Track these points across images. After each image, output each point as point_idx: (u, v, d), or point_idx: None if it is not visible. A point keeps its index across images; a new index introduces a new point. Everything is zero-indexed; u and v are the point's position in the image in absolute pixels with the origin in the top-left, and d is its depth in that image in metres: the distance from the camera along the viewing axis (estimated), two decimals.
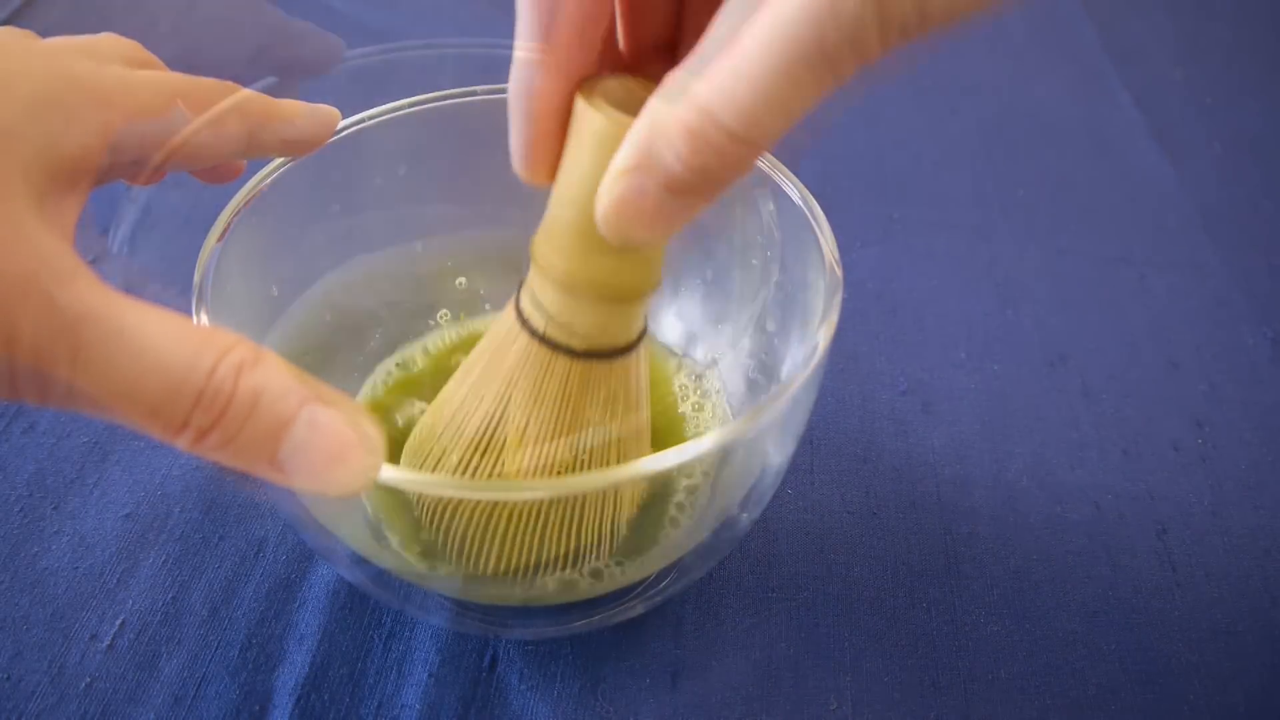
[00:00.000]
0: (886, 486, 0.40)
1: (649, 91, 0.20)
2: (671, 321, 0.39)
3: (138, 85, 0.24)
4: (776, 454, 0.31)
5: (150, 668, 0.34)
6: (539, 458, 0.28)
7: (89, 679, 0.34)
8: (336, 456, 0.21)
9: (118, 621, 0.35)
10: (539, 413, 0.28)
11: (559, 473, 0.29)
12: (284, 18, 0.27)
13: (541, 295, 0.27)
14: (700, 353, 0.39)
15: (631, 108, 0.22)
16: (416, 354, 0.39)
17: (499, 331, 0.29)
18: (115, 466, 0.40)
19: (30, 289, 0.19)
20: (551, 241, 0.25)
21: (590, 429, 0.28)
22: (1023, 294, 0.48)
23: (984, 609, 0.35)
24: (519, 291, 0.28)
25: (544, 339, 0.27)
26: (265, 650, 0.34)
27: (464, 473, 0.29)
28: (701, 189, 0.20)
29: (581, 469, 0.29)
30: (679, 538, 0.33)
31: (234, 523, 0.38)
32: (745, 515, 0.32)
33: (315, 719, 0.33)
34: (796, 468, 0.40)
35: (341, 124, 0.32)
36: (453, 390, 0.31)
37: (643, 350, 0.29)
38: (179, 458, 0.40)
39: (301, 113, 0.29)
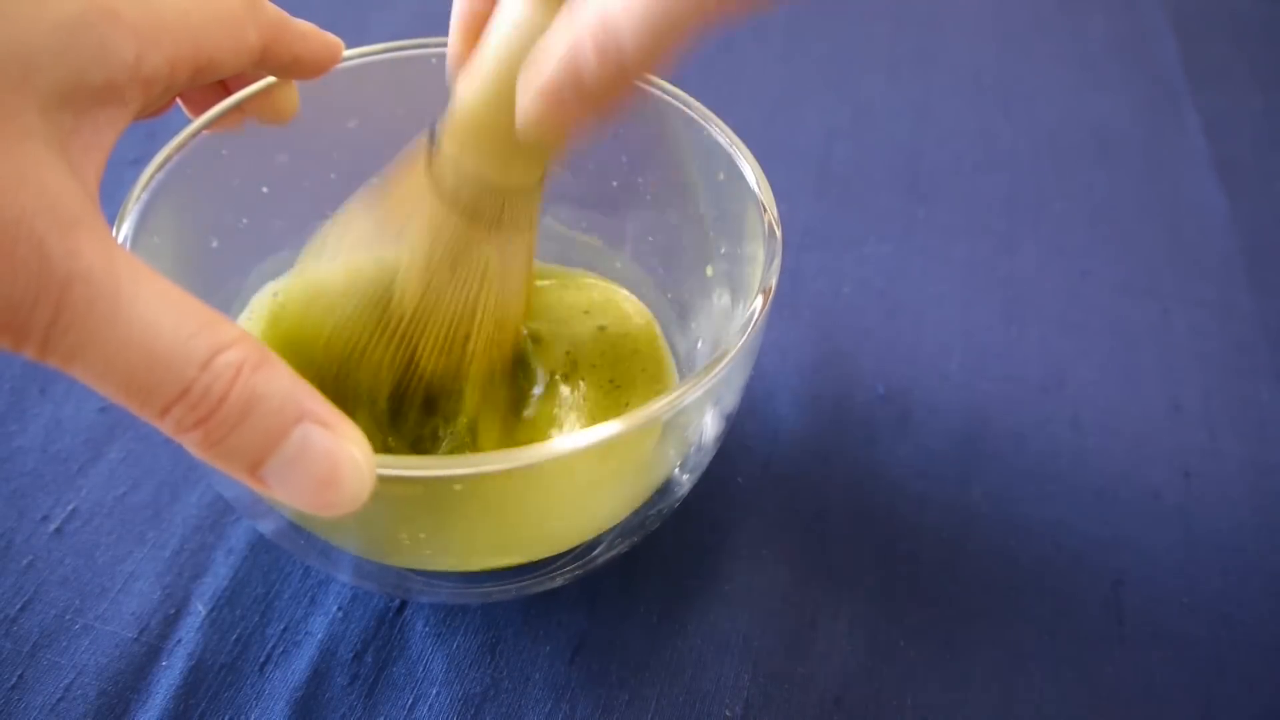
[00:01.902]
0: (839, 492, 0.39)
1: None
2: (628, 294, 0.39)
3: (173, 20, 0.22)
4: (699, 431, 0.31)
5: (88, 557, 0.35)
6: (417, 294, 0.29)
7: (30, 558, 0.35)
8: (324, 481, 0.19)
9: (70, 507, 0.37)
10: (427, 245, 0.29)
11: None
12: (285, 17, 0.27)
13: (447, 142, 0.28)
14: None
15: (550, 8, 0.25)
16: None
17: (402, 177, 0.30)
18: None
19: (21, 236, 0.17)
20: (467, 98, 0.27)
21: (475, 266, 0.29)
22: (1032, 312, 0.46)
23: (906, 633, 0.34)
24: (434, 125, 0.29)
25: (441, 183, 0.28)
26: (195, 558, 0.35)
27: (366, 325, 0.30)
28: (605, 99, 0.23)
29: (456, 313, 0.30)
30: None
31: None
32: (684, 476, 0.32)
33: (223, 631, 0.33)
34: (753, 457, 0.40)
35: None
36: (347, 219, 0.31)
37: (535, 202, 0.30)
38: None
39: (312, 31, 0.28)
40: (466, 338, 0.31)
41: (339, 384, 0.31)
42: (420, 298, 0.30)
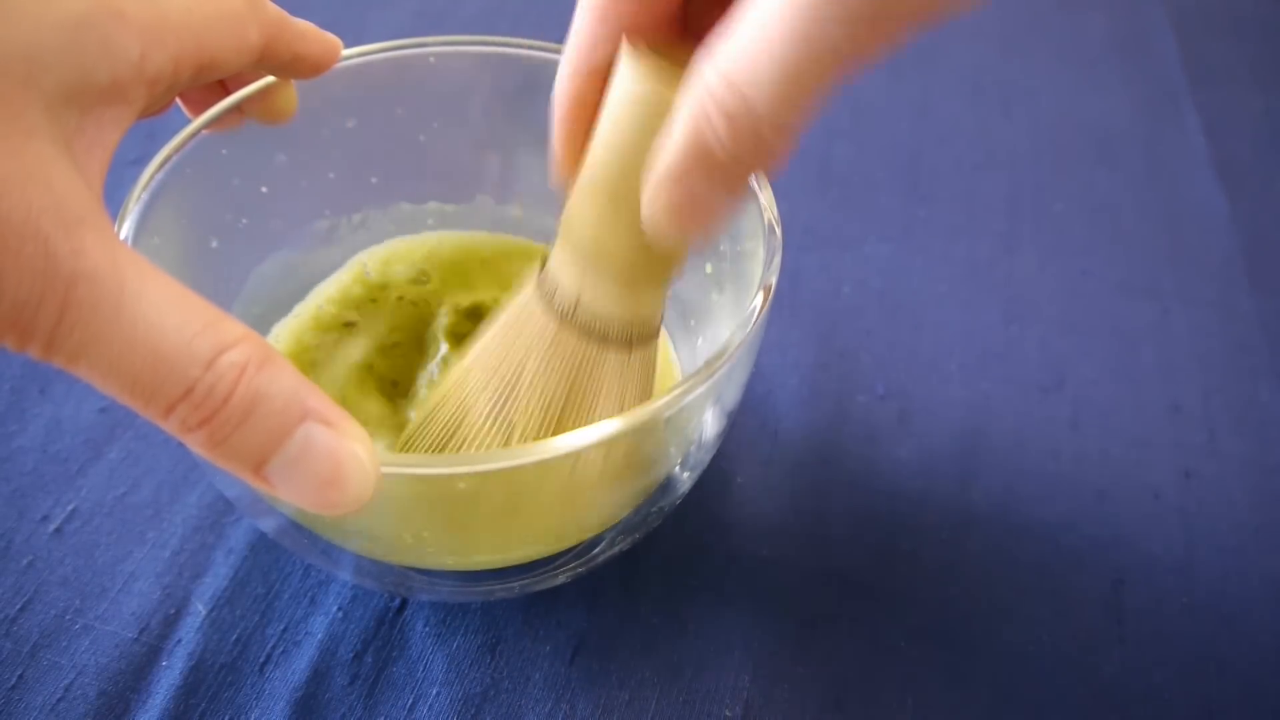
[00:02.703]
0: (840, 491, 0.39)
1: (680, 64, 0.20)
2: None
3: (176, 19, 0.22)
4: (700, 430, 0.31)
5: (88, 556, 0.35)
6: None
7: (30, 558, 0.35)
8: (328, 480, 0.19)
9: (70, 508, 0.37)
10: (550, 398, 0.27)
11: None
12: (285, 16, 0.27)
13: (565, 270, 0.25)
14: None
15: (671, 79, 0.21)
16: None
17: (517, 306, 0.27)
18: None
19: (27, 235, 0.17)
20: (583, 211, 0.24)
21: (598, 418, 0.27)
22: (1032, 312, 0.46)
23: (906, 633, 0.34)
24: (541, 266, 0.27)
25: (563, 316, 0.26)
26: (194, 558, 0.35)
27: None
28: (744, 179, 0.20)
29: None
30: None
31: None
32: (686, 475, 0.32)
33: (223, 631, 0.33)
34: (753, 457, 0.40)
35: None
36: (465, 365, 0.29)
37: (656, 347, 0.28)
38: None
39: (311, 30, 0.28)
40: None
41: None
42: (553, 420, 0.27)
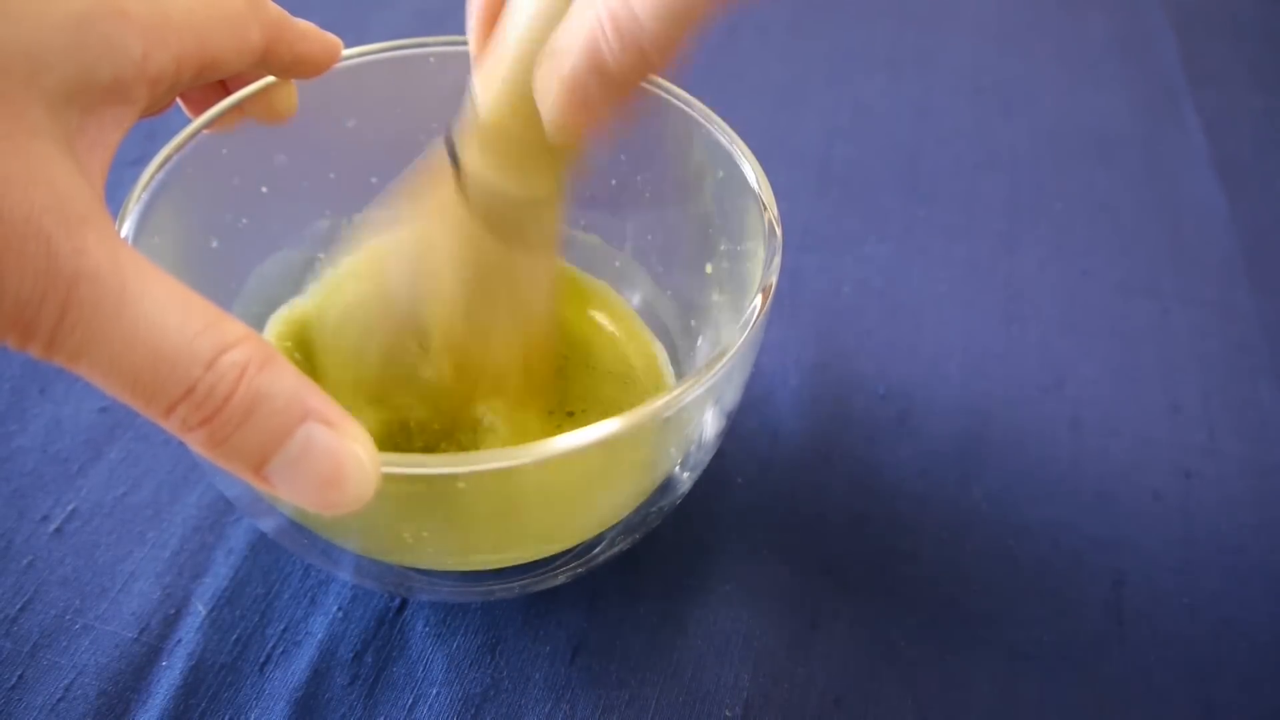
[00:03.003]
0: (840, 491, 0.39)
1: None
2: (626, 294, 0.39)
3: (178, 18, 0.22)
4: (699, 431, 0.31)
5: (88, 557, 0.35)
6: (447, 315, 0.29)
7: (30, 558, 0.35)
8: (328, 481, 0.19)
9: (70, 508, 0.37)
10: (456, 260, 0.29)
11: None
12: (286, 16, 0.27)
13: (469, 147, 0.27)
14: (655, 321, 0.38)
15: None
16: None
17: (425, 170, 0.29)
18: None
19: (29, 234, 0.17)
20: (486, 92, 0.26)
21: (495, 267, 0.29)
22: (1032, 312, 0.46)
23: (906, 633, 0.34)
24: (450, 128, 0.28)
25: (472, 177, 0.28)
26: (195, 558, 0.35)
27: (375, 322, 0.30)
28: (627, 85, 0.22)
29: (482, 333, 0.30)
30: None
31: None
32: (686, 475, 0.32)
33: (223, 631, 0.33)
34: (753, 457, 0.40)
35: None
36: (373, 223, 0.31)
37: (555, 211, 0.30)
38: None
39: (312, 30, 0.28)
40: (492, 354, 0.30)
41: (363, 399, 0.31)
42: (450, 314, 0.29)
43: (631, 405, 0.24)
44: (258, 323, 0.36)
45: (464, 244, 0.29)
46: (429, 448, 0.32)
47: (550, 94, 0.23)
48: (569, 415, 0.34)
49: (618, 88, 0.22)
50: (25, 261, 0.17)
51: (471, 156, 0.27)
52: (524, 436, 0.32)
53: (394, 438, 0.31)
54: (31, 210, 0.17)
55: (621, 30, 0.21)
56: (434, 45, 0.34)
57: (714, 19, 0.21)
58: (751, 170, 0.30)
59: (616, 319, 0.38)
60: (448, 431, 0.32)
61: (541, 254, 0.30)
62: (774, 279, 0.27)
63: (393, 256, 0.30)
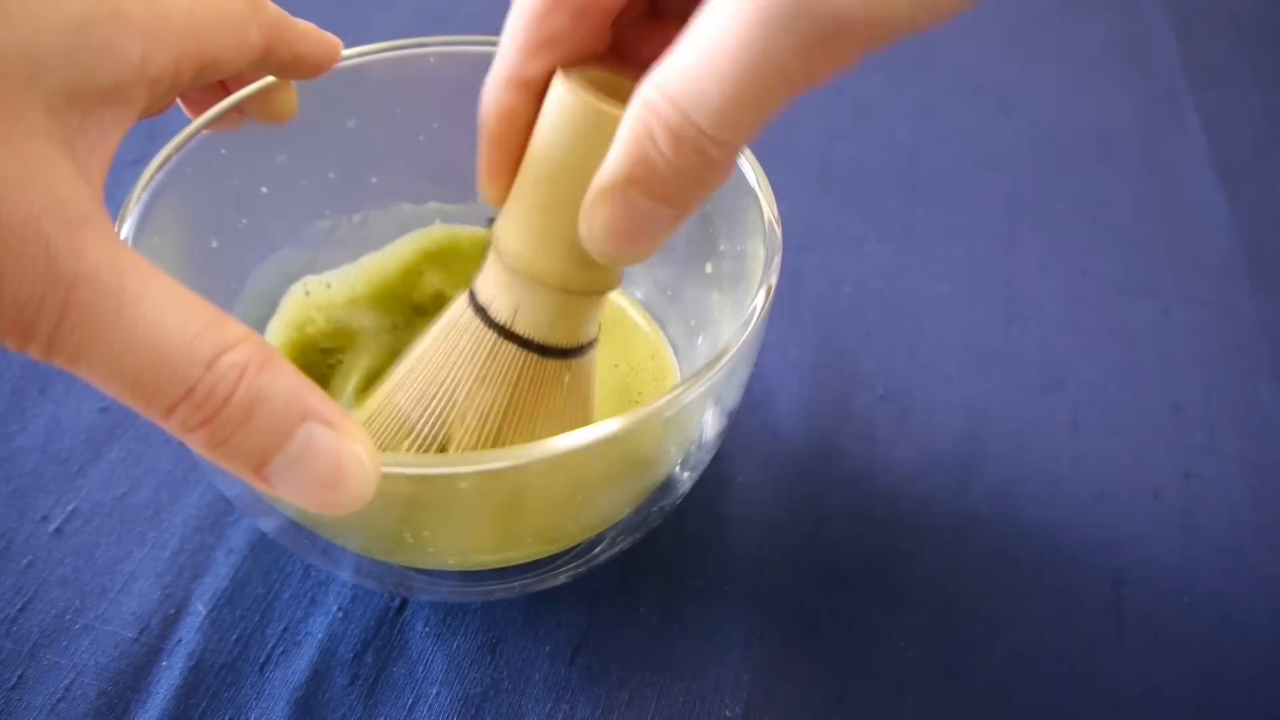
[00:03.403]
0: (840, 491, 0.39)
1: (627, 84, 0.20)
2: (629, 292, 0.39)
3: (178, 20, 0.22)
4: (700, 430, 0.31)
5: (88, 557, 0.35)
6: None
7: (30, 558, 0.35)
8: (329, 481, 0.19)
9: (69, 508, 0.37)
10: (487, 410, 0.27)
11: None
12: (286, 16, 0.27)
13: (500, 284, 0.25)
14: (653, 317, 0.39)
15: (614, 96, 0.21)
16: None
17: (450, 319, 0.27)
18: None
19: (29, 235, 0.17)
20: (516, 232, 0.25)
21: (539, 431, 0.27)
22: (1032, 312, 0.46)
23: (906, 633, 0.34)
24: (475, 278, 0.27)
25: (500, 329, 0.26)
26: (195, 558, 0.35)
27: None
28: (687, 196, 0.20)
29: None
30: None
31: None
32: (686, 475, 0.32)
33: (223, 631, 0.33)
34: (753, 457, 0.40)
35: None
36: (396, 379, 0.28)
37: (595, 355, 0.28)
38: None
39: (312, 30, 0.28)
40: None
41: None
42: (496, 431, 0.27)
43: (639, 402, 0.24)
44: (258, 323, 0.36)
45: (496, 364, 0.26)
46: None
47: (600, 226, 0.21)
48: None
49: (678, 203, 0.20)
50: (24, 263, 0.17)
51: (506, 315, 0.26)
52: None
53: None
54: (31, 211, 0.17)
55: (676, 134, 0.18)
56: (434, 45, 0.34)
57: (784, 110, 0.18)
58: (751, 170, 0.30)
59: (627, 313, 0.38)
60: None
61: (582, 360, 0.27)
62: (774, 279, 0.27)
63: (410, 375, 0.28)
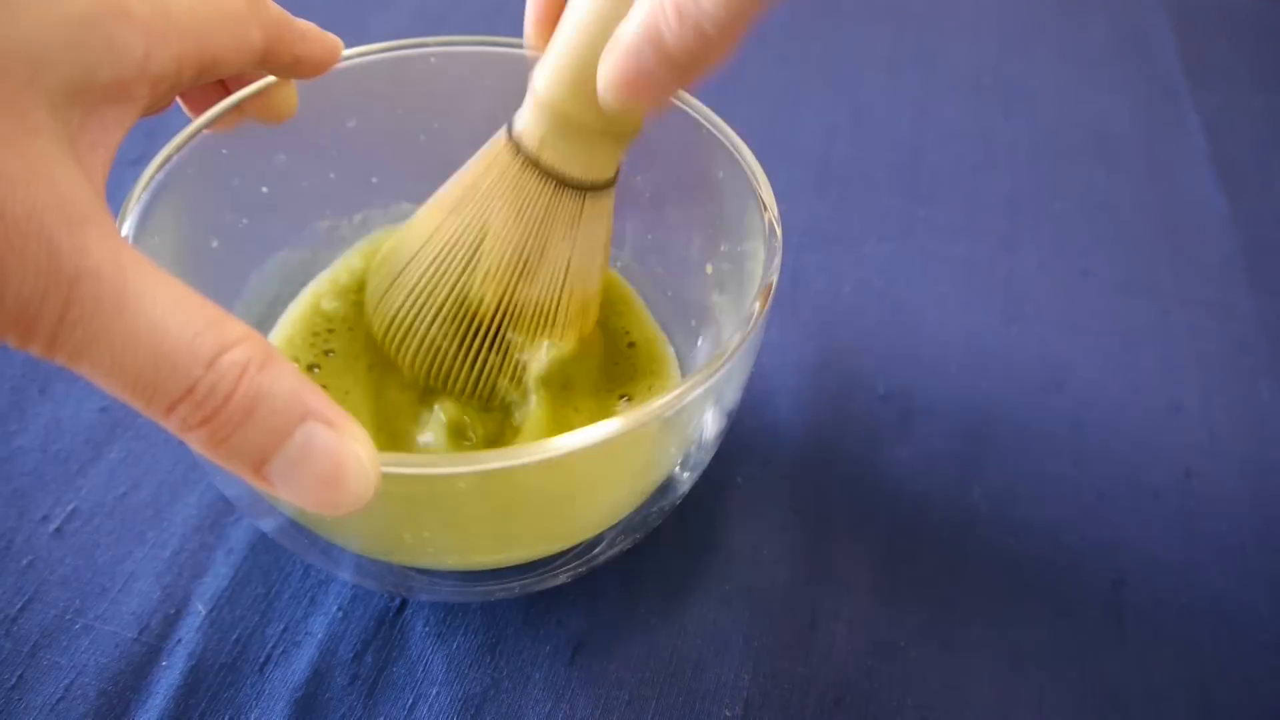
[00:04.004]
0: (840, 491, 0.39)
1: None
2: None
3: (180, 18, 0.22)
4: (700, 431, 0.31)
5: (88, 556, 0.35)
6: (505, 282, 0.31)
7: (30, 558, 0.35)
8: (328, 480, 0.19)
9: (69, 507, 0.37)
10: (514, 234, 0.30)
11: (513, 301, 0.31)
12: (287, 16, 0.27)
13: (533, 118, 0.29)
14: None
15: None
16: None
17: (491, 146, 0.30)
18: None
19: (31, 232, 0.17)
20: (551, 73, 0.28)
21: (558, 256, 0.31)
22: (1033, 312, 0.46)
23: (906, 633, 0.34)
24: (512, 118, 0.30)
25: (528, 157, 0.29)
26: (195, 558, 0.35)
27: (429, 287, 0.31)
28: (686, 65, 0.23)
29: (542, 304, 0.31)
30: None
31: None
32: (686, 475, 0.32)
33: (223, 631, 0.33)
34: (753, 457, 0.40)
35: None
36: (431, 206, 0.32)
37: (610, 201, 0.31)
38: None
39: (312, 30, 0.28)
40: (555, 307, 0.32)
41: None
42: (514, 250, 0.31)
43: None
44: (259, 323, 0.36)
45: (520, 192, 0.30)
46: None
47: (611, 72, 0.24)
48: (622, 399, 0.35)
49: (677, 68, 0.23)
50: (27, 260, 0.17)
51: (533, 144, 0.29)
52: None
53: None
54: (33, 209, 0.17)
55: (682, 10, 0.22)
56: (434, 45, 0.34)
57: (774, 5, 0.22)
58: (751, 170, 0.30)
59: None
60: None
61: (599, 222, 0.31)
62: (774, 279, 0.27)
63: (445, 200, 0.32)
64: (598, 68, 0.24)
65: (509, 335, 0.32)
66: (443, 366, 0.32)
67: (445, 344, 0.32)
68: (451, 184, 0.32)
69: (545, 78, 0.28)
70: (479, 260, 0.31)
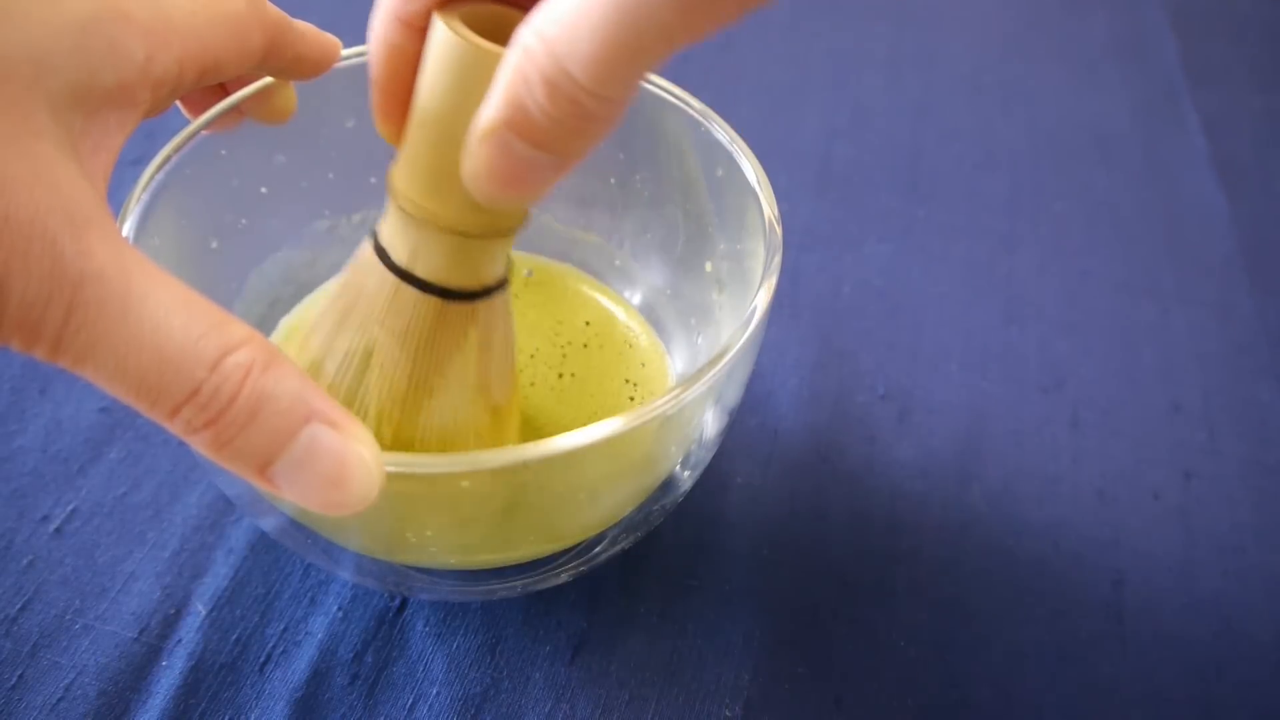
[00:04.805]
0: (840, 490, 0.39)
1: (516, 15, 0.20)
2: (627, 293, 0.39)
3: (181, 22, 0.22)
4: (698, 430, 0.31)
5: (88, 556, 0.35)
6: (403, 409, 0.27)
7: (30, 558, 0.35)
8: (332, 481, 0.19)
9: (70, 507, 0.37)
10: (401, 362, 0.26)
11: (426, 429, 0.27)
12: (286, 18, 0.27)
13: (397, 228, 0.25)
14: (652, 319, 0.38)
15: (496, 35, 0.21)
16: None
17: (357, 266, 0.27)
18: None
19: (34, 235, 0.17)
20: (408, 175, 0.24)
21: (457, 377, 0.27)
22: (1032, 312, 0.46)
23: (906, 633, 0.34)
24: (378, 223, 0.26)
25: (401, 273, 0.25)
26: (195, 558, 0.35)
27: None
28: (567, 145, 0.19)
29: (446, 430, 0.27)
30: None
31: None
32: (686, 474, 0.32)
33: (224, 631, 0.33)
34: (753, 457, 0.40)
35: None
36: (310, 330, 0.28)
37: (507, 295, 0.28)
38: None
39: (312, 32, 0.28)
40: (463, 430, 0.28)
41: None
42: (405, 379, 0.26)
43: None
44: (259, 323, 0.36)
45: (398, 312, 0.26)
46: None
47: (479, 168, 0.20)
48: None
49: (557, 152, 0.19)
50: (31, 263, 0.17)
51: (404, 257, 0.25)
52: None
53: None
54: (36, 212, 0.17)
55: (551, 84, 0.18)
56: None
57: (661, 60, 0.17)
58: (751, 169, 0.30)
59: (621, 318, 0.38)
60: None
61: (491, 302, 0.27)
62: (774, 278, 0.27)
63: (329, 315, 0.27)
64: (462, 164, 0.20)
65: None
66: None
67: None
68: (334, 294, 0.27)
69: (402, 178, 0.24)
70: (368, 395, 0.26)
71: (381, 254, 0.25)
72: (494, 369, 0.28)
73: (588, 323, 0.38)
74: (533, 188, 0.20)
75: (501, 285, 0.27)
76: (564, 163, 0.20)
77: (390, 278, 0.25)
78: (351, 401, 0.26)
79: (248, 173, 0.34)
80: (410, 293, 0.25)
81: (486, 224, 0.24)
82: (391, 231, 0.25)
